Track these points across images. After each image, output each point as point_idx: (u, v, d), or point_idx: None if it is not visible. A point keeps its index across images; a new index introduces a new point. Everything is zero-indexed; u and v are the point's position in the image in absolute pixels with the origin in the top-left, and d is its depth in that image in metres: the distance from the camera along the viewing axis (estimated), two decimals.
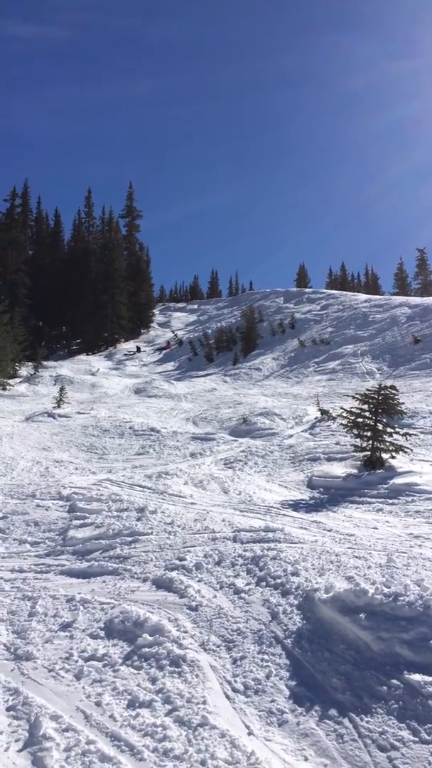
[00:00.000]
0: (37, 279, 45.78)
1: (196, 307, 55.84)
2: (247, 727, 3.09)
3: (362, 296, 32.32)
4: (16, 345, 30.93)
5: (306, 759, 2.87)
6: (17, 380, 28.80)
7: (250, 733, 3.04)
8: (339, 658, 3.55)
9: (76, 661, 3.78)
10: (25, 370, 31.31)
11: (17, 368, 30.70)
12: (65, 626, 4.27)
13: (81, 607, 4.53)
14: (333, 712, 3.15)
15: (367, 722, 3.05)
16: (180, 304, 62.15)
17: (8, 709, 3.33)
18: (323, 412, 12.42)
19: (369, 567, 4.58)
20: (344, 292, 35.58)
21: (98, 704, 3.31)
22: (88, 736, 3.03)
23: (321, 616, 3.93)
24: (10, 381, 27.28)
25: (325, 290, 38.78)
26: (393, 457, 8.23)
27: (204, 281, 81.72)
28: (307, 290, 39.94)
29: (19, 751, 2.97)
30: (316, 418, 12.54)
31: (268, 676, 3.47)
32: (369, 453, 8.36)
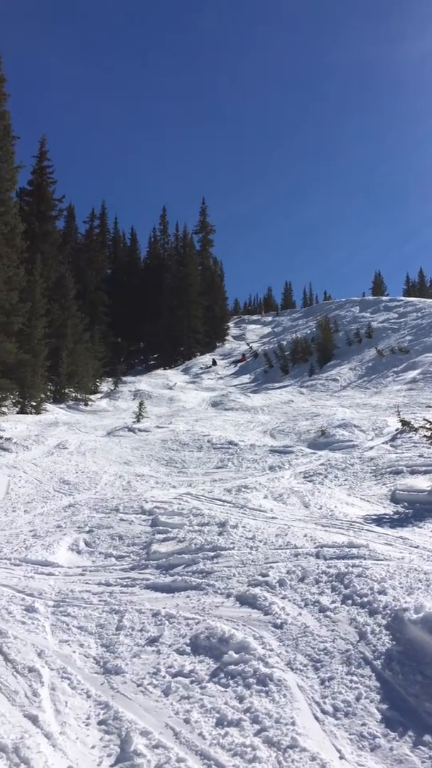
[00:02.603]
0: (115, 297, 47.07)
1: (270, 318, 55.82)
2: (338, 750, 3.02)
3: None
4: (97, 362, 31.92)
5: None
6: (98, 396, 29.64)
7: (341, 757, 2.97)
8: None
9: (164, 677, 3.82)
10: (105, 386, 32.23)
11: (98, 384, 31.65)
12: (152, 641, 4.33)
13: (166, 622, 4.58)
14: (428, 738, 3.04)
15: None
16: (254, 317, 62.31)
17: (100, 723, 3.40)
18: (404, 423, 12.08)
19: None
20: (423, 299, 34.61)
21: (187, 721, 3.33)
22: (178, 753, 3.05)
23: (411, 637, 3.80)
24: (92, 397, 28.12)
25: (402, 298, 37.88)
26: None
27: (278, 293, 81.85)
28: (384, 298, 39.13)
29: (112, 766, 3.03)
30: (397, 430, 12.22)
31: (358, 698, 3.39)
32: None
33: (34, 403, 22.57)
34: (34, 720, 3.40)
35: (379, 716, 3.24)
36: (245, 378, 34.12)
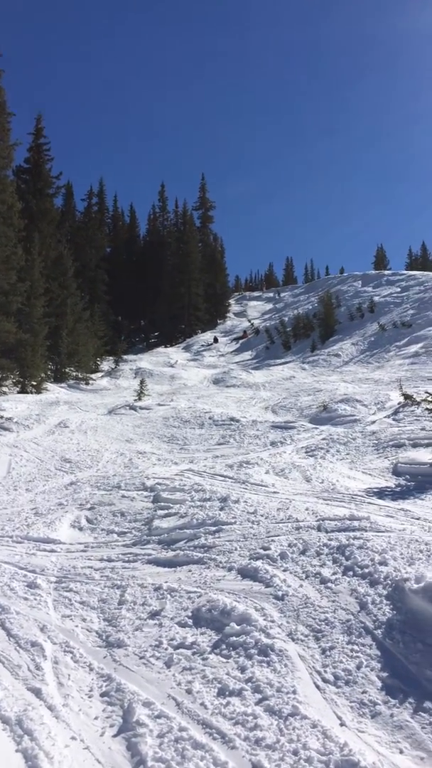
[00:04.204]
0: (115, 275, 46.81)
1: (271, 295, 55.56)
2: (339, 717, 3.04)
3: None
4: (97, 340, 31.83)
5: (401, 752, 2.79)
6: (99, 374, 29.62)
7: (342, 724, 2.99)
8: None
9: (166, 649, 3.84)
10: (106, 365, 32.19)
11: (99, 363, 31.61)
12: (154, 614, 4.35)
13: (168, 596, 4.59)
14: (428, 704, 3.05)
15: None
16: (256, 293, 62.00)
17: (102, 695, 3.42)
18: (407, 396, 12.04)
19: None
20: (426, 273, 34.32)
21: (189, 692, 3.35)
22: (180, 723, 3.07)
23: (412, 607, 3.80)
24: (93, 375, 28.09)
25: (405, 271, 37.60)
26: None
27: (279, 269, 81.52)
28: (386, 272, 38.88)
29: (114, 736, 3.05)
30: (399, 404, 12.19)
31: (358, 667, 3.40)
32: None
33: (34, 383, 22.56)
34: (37, 693, 3.42)
35: (379, 684, 3.26)
36: (247, 355, 34.07)
